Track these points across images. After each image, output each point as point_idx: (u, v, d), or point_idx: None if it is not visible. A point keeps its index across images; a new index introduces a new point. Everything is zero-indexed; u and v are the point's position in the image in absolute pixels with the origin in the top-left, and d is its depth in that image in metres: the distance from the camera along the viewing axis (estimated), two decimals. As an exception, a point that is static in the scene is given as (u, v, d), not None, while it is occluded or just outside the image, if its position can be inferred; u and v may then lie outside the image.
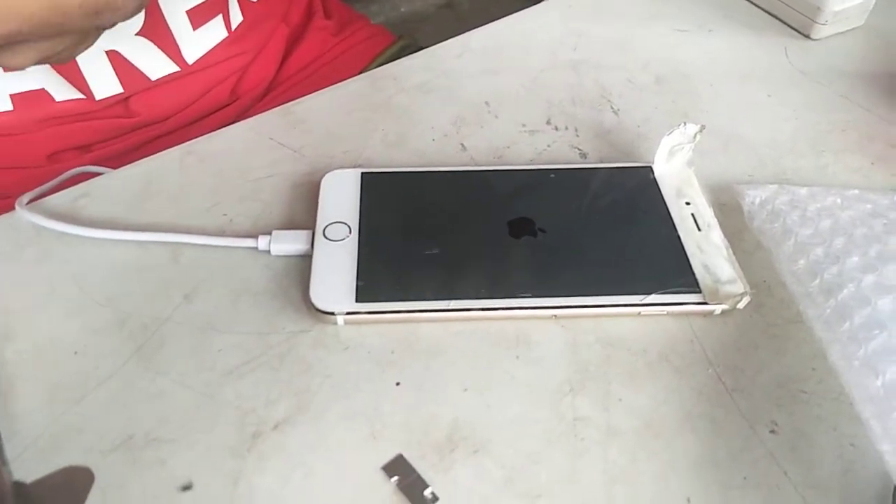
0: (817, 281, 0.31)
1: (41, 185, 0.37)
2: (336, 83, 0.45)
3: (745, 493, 0.27)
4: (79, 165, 0.48)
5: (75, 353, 0.31)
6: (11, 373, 0.30)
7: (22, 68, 0.30)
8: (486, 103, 0.44)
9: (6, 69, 0.31)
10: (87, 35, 0.31)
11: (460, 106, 0.43)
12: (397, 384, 0.30)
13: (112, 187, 0.38)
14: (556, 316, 0.32)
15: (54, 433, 0.28)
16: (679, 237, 0.35)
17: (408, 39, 0.64)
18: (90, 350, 0.31)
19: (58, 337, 0.31)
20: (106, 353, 0.31)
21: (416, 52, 0.49)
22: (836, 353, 0.29)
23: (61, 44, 0.30)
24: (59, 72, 0.45)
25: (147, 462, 0.27)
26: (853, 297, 0.30)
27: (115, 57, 0.46)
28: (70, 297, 0.33)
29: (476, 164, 0.39)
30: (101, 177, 0.39)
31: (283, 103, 0.43)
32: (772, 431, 0.29)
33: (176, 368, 0.30)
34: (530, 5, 0.52)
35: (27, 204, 0.36)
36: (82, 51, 0.31)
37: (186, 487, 0.27)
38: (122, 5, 0.25)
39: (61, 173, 0.46)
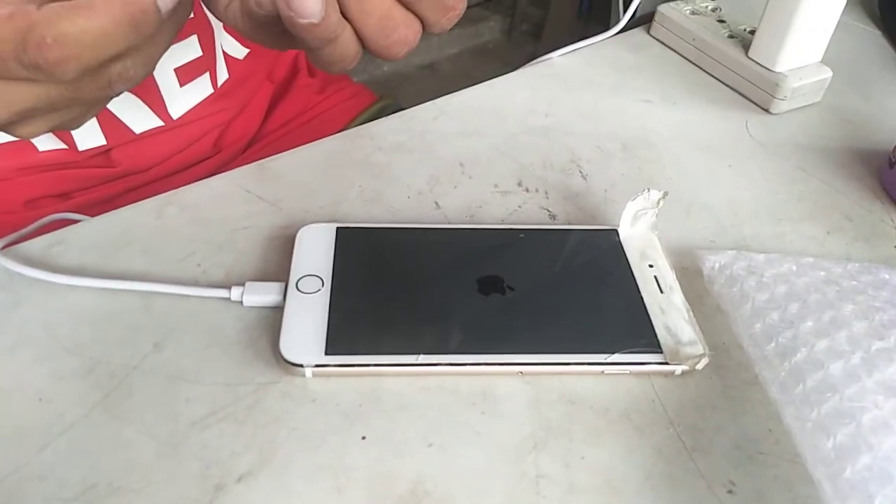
0: (773, 344, 0.32)
1: (16, 230, 0.38)
2: (317, 139, 0.47)
3: (703, 553, 0.28)
4: (57, 212, 0.49)
5: (40, 399, 0.31)
6: (-26, 418, 0.30)
7: (33, 137, 0.31)
8: (461, 164, 0.45)
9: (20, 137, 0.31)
10: (98, 103, 0.32)
11: (435, 166, 0.45)
12: (363, 438, 0.30)
13: (88, 235, 0.39)
14: (521, 372, 0.33)
15: (16, 480, 0.28)
16: (642, 298, 0.36)
17: (388, 100, 0.66)
18: (56, 397, 0.31)
19: (24, 383, 0.31)
20: (72, 400, 0.31)
21: (396, 111, 0.50)
22: (790, 415, 0.30)
23: (72, 113, 0.31)
24: None
25: (107, 512, 0.27)
26: (806, 361, 0.31)
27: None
28: (39, 344, 0.33)
29: (449, 222, 0.41)
30: (77, 225, 0.40)
31: (264, 157, 0.44)
32: (729, 492, 0.30)
33: (141, 418, 0.30)
34: (508, 70, 0.55)
35: (1, 249, 0.36)
36: (91, 117, 0.32)
37: (146, 539, 0.27)
38: (134, 76, 0.26)
39: (37, 219, 0.46)
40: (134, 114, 0.49)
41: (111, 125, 0.48)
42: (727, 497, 0.29)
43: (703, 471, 0.30)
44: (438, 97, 0.51)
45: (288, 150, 0.45)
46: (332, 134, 0.53)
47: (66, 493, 0.28)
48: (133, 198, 0.51)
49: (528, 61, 0.56)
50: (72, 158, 0.48)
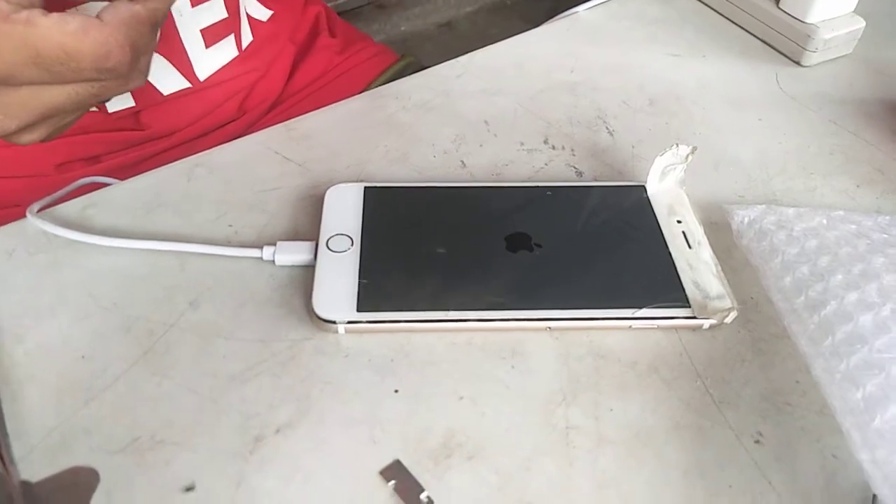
0: (802, 298, 0.32)
1: (48, 193, 0.39)
2: (340, 100, 0.47)
3: (731, 501, 0.28)
4: (86, 175, 0.50)
5: (83, 357, 0.32)
6: (20, 374, 0.31)
7: (31, 143, 0.33)
8: (486, 122, 0.45)
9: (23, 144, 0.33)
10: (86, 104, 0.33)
11: (460, 124, 0.45)
12: (395, 392, 0.31)
13: (120, 198, 0.39)
14: (549, 328, 0.33)
15: (61, 434, 0.29)
16: (670, 254, 0.36)
17: (410, 58, 0.65)
18: (98, 354, 0.32)
19: (66, 341, 0.32)
20: (113, 357, 0.32)
21: (418, 70, 0.50)
22: (819, 367, 0.30)
23: (77, 115, 0.33)
24: None
25: (152, 463, 0.28)
26: (836, 314, 0.31)
27: None
28: (78, 303, 0.34)
29: (475, 181, 0.41)
30: (108, 188, 0.40)
31: (287, 118, 0.45)
32: (757, 442, 0.30)
33: (181, 373, 0.31)
34: (527, 27, 0.54)
35: (37, 212, 0.37)
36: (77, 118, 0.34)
37: (190, 489, 0.28)
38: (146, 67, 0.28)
39: (68, 183, 0.47)
40: (162, 75, 0.49)
41: (141, 88, 0.48)
42: (754, 447, 0.30)
43: (730, 422, 0.31)
44: (458, 56, 0.51)
45: (311, 110, 0.45)
46: (354, 94, 0.53)
47: (111, 445, 0.29)
48: (161, 161, 0.52)
49: (548, 17, 0.56)
50: (101, 121, 0.48)
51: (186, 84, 0.50)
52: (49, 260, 0.36)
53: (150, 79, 0.49)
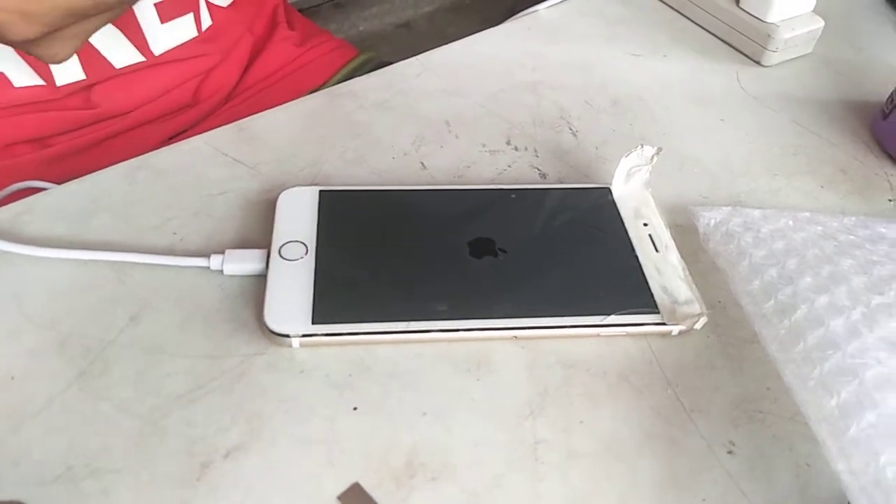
0: (772, 302, 0.32)
1: None
2: (298, 94, 0.45)
3: (705, 516, 0.27)
4: (36, 161, 0.47)
5: (12, 378, 0.29)
6: (-58, 400, 0.28)
7: (64, 58, 0.32)
8: (447, 122, 0.43)
9: (50, 61, 0.32)
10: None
11: (420, 125, 0.43)
12: (354, 409, 0.29)
13: (57, 202, 0.37)
14: (516, 337, 0.32)
15: (-13, 464, 0.27)
16: (637, 258, 0.35)
17: (370, 53, 0.64)
18: (28, 375, 0.29)
19: (-7, 361, 0.30)
20: (45, 378, 0.29)
21: (377, 66, 0.48)
22: (790, 373, 0.29)
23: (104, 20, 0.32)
24: (20, 55, 0.44)
25: (88, 494, 0.26)
26: (807, 318, 0.30)
27: None
28: (8, 319, 0.31)
29: (436, 183, 0.39)
30: (45, 192, 0.37)
31: (243, 112, 0.43)
32: (729, 452, 0.29)
33: (120, 394, 0.29)
34: (487, 27, 0.53)
35: (-36, 220, 0.34)
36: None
37: (130, 520, 0.25)
38: None
39: (16, 171, 0.44)
40: (114, 47, 0.47)
41: (91, 58, 0.46)
42: (727, 457, 0.29)
43: (702, 431, 0.30)
44: (418, 54, 0.49)
45: (268, 104, 0.43)
46: (313, 88, 0.51)
47: (42, 476, 0.26)
48: (110, 147, 0.49)
49: (507, 17, 0.54)
50: (50, 96, 0.46)
51: (140, 58, 0.48)
52: (-25, 272, 0.33)
53: (102, 50, 0.46)
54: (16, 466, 0.27)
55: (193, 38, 0.51)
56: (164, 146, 0.50)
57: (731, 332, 0.33)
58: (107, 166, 0.39)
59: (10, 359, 0.30)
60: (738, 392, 0.31)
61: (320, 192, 0.36)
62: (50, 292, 0.32)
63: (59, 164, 0.49)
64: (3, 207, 0.36)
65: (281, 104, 0.44)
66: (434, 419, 0.29)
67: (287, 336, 0.30)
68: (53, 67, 0.45)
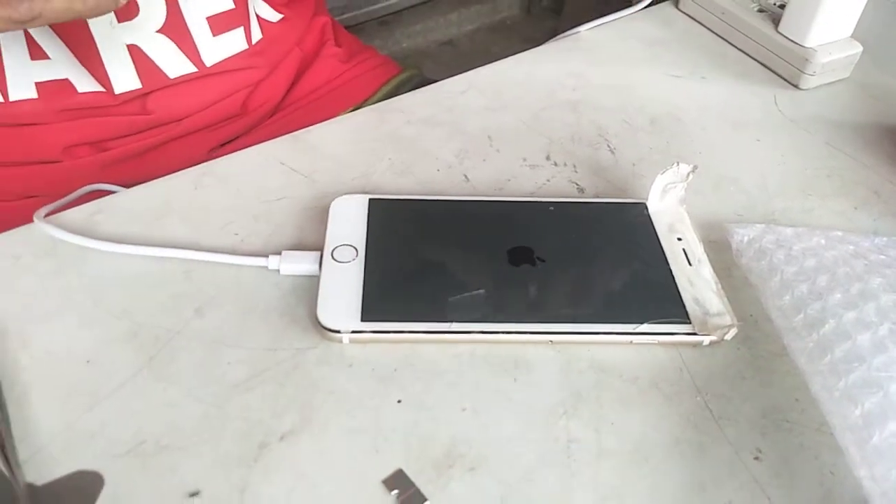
0: (801, 316, 0.33)
1: (54, 182, 0.39)
2: (343, 108, 0.47)
3: (730, 516, 0.28)
4: (94, 165, 0.50)
5: (88, 361, 0.32)
6: (26, 378, 0.31)
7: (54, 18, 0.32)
8: (489, 137, 0.46)
9: (37, 19, 0.33)
10: None
11: (464, 139, 0.45)
12: (398, 402, 0.31)
13: (127, 204, 0.40)
14: (552, 341, 0.34)
15: (66, 438, 0.29)
16: (671, 271, 0.36)
17: (413, 70, 0.66)
18: (103, 359, 0.32)
19: (72, 346, 0.32)
20: (118, 362, 0.32)
21: (420, 82, 0.51)
22: (817, 385, 0.30)
23: None
24: (82, 63, 0.47)
25: (156, 468, 0.28)
26: (834, 332, 0.31)
27: (135, 52, 0.48)
28: (84, 309, 0.34)
29: (479, 195, 0.41)
30: (115, 194, 0.41)
31: (290, 123, 0.45)
32: (756, 458, 0.30)
33: (186, 380, 0.31)
34: (528, 46, 0.55)
35: (44, 217, 0.37)
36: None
37: (194, 494, 0.28)
38: None
39: (74, 174, 0.47)
40: (168, 57, 0.50)
41: (146, 67, 0.49)
42: (754, 463, 0.30)
43: (730, 438, 0.31)
44: (460, 71, 0.51)
45: (313, 117, 0.46)
46: (357, 103, 0.54)
47: (114, 450, 0.29)
48: (166, 152, 0.52)
49: (548, 37, 0.56)
50: (108, 102, 0.49)
51: (193, 68, 0.51)
52: (55, 265, 0.36)
53: (157, 60, 0.50)
54: (91, 440, 0.29)
55: (244, 51, 0.54)
56: (213, 153, 0.53)
57: (762, 346, 0.35)
58: (160, 170, 0.42)
59: (86, 345, 0.33)
60: (767, 402, 0.32)
61: (370, 199, 0.39)
62: (123, 286, 0.35)
63: (115, 168, 0.52)
64: (78, 207, 0.39)
65: (326, 117, 0.46)
66: (472, 414, 0.31)
67: (338, 332, 0.32)
68: (112, 74, 0.49)
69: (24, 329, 0.33)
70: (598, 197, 0.42)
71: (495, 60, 0.53)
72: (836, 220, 0.41)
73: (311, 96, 0.61)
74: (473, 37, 2.00)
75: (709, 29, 0.57)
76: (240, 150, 0.44)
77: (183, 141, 0.54)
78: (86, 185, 0.43)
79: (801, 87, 0.51)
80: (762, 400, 0.32)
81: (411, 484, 0.28)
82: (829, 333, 0.32)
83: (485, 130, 0.46)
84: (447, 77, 0.51)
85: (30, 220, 0.37)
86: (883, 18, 0.59)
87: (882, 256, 0.36)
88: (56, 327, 0.33)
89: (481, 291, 0.34)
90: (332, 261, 0.35)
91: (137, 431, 0.30)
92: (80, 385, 0.31)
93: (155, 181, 0.41)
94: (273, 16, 0.56)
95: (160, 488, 0.28)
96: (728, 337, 0.33)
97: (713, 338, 0.33)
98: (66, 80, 0.48)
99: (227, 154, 0.43)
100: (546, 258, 0.36)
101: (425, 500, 0.28)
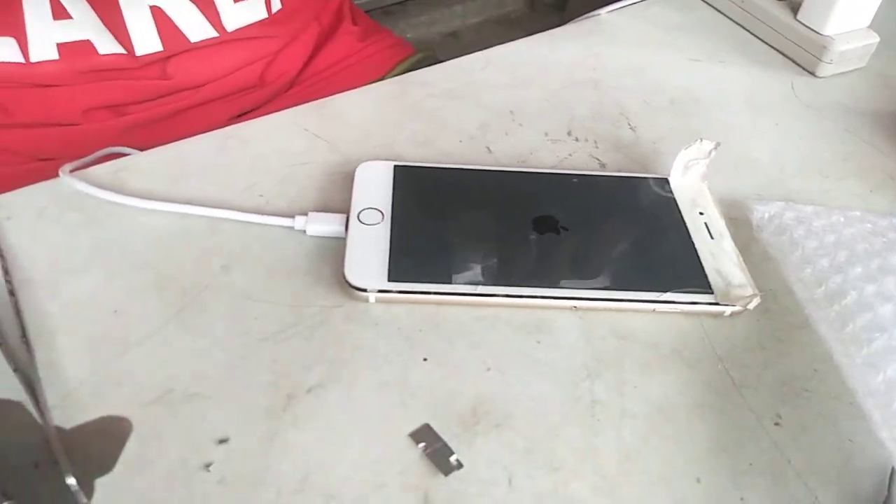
0: (822, 288, 0.33)
1: (73, 144, 0.39)
2: (358, 85, 0.47)
3: (752, 478, 0.29)
4: (111, 129, 0.50)
5: (115, 311, 0.32)
6: (54, 325, 0.31)
7: None
8: (511, 112, 0.46)
9: None
10: None
11: (486, 113, 0.46)
12: (424, 360, 0.32)
13: (150, 163, 0.40)
14: (575, 307, 0.34)
15: (94, 384, 0.29)
16: (693, 243, 0.37)
17: (428, 51, 0.67)
18: (130, 310, 0.32)
19: (99, 296, 0.33)
20: (146, 313, 0.32)
21: (434, 63, 0.51)
22: (839, 352, 0.31)
23: None
24: (104, 24, 0.47)
25: (184, 415, 0.29)
26: (856, 303, 0.32)
27: (157, 13, 0.49)
28: (111, 260, 0.34)
29: (502, 166, 0.41)
30: (140, 154, 0.41)
31: (307, 97, 0.45)
32: (776, 424, 0.31)
33: (213, 332, 0.32)
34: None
35: (70, 172, 0.37)
36: None
37: (223, 441, 0.28)
38: None
39: (91, 138, 0.47)
40: (189, 20, 0.50)
41: (168, 31, 0.50)
42: (774, 429, 0.31)
43: (750, 404, 0.31)
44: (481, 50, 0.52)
45: (329, 93, 0.46)
46: (371, 81, 0.54)
47: (143, 397, 0.29)
48: (184, 119, 0.53)
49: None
50: (129, 65, 0.49)
51: (214, 33, 0.52)
52: (81, 218, 0.36)
53: (178, 23, 0.50)
54: (119, 387, 0.29)
55: (263, 20, 0.55)
56: (231, 123, 0.53)
57: (781, 318, 0.35)
58: (178, 137, 0.42)
59: (114, 295, 0.33)
60: (786, 371, 0.33)
61: (395, 166, 0.39)
62: (149, 240, 0.35)
63: (134, 133, 0.52)
64: (102, 165, 0.40)
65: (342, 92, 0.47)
66: (497, 374, 0.31)
67: (364, 290, 0.33)
68: (134, 36, 0.49)
69: (51, 279, 0.33)
70: (619, 171, 0.42)
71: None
72: (852, 202, 0.42)
73: (327, 72, 0.61)
74: (478, 30, 2.00)
75: (727, 16, 0.57)
76: (259, 119, 0.44)
77: (201, 109, 0.54)
78: (103, 148, 0.43)
79: (818, 74, 0.51)
80: (782, 369, 0.33)
81: (438, 438, 0.29)
82: (850, 304, 0.32)
83: (506, 105, 0.46)
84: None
85: (44, 183, 0.37)
86: (898, 12, 0.60)
87: (900, 235, 0.37)
88: (83, 278, 0.33)
89: (506, 256, 0.35)
90: (359, 223, 0.35)
91: (165, 379, 0.30)
92: (107, 334, 0.31)
93: (178, 142, 0.41)
94: None
95: (189, 435, 0.28)
96: (751, 306, 0.34)
97: (736, 308, 0.34)
98: (88, 41, 0.48)
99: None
100: (570, 227, 0.37)
101: (452, 453, 0.28)
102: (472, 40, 1.99)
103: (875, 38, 0.51)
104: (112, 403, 0.29)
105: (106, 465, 0.27)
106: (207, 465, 0.27)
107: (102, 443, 0.28)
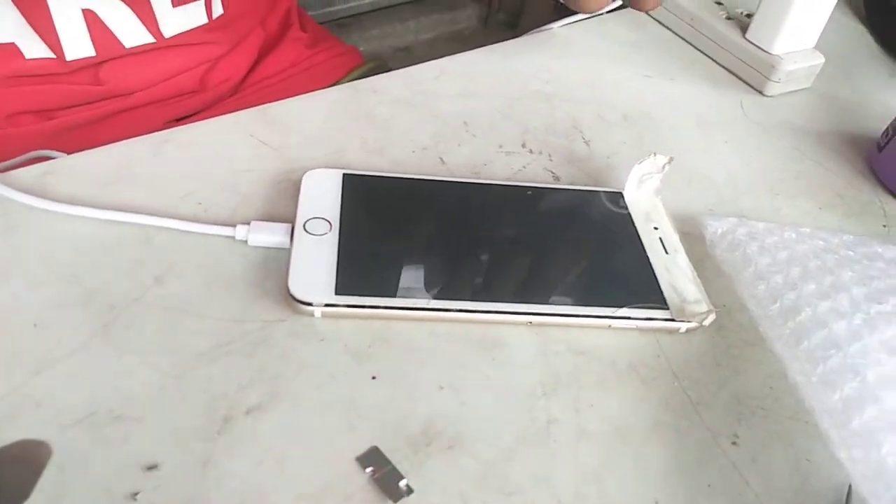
0: (777, 304, 0.33)
1: None
2: (306, 92, 0.46)
3: (710, 499, 0.28)
4: (38, 133, 0.47)
5: (35, 325, 0.29)
6: (-36, 342, 0.28)
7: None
8: (465, 123, 0.45)
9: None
10: None
11: (439, 123, 0.44)
12: (373, 378, 0.30)
13: (81, 167, 0.37)
14: (531, 322, 0.33)
15: (10, 404, 0.27)
16: (648, 258, 0.36)
17: (378, 61, 0.65)
18: (52, 324, 0.30)
19: (18, 307, 0.30)
20: (69, 328, 0.30)
21: (385, 71, 0.50)
22: (795, 370, 0.30)
23: None
24: (32, 26, 0.44)
25: (110, 439, 0.26)
26: (810, 320, 0.32)
27: (90, 17, 0.46)
28: (33, 271, 0.31)
29: (455, 177, 0.40)
30: (69, 157, 0.38)
31: (251, 104, 0.43)
32: (733, 443, 0.30)
33: (143, 348, 0.29)
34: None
35: (-10, 176, 0.35)
36: None
37: (151, 467, 0.26)
38: None
39: (18, 141, 0.44)
40: (124, 24, 0.47)
41: (101, 34, 0.47)
42: (731, 448, 0.30)
43: (707, 423, 0.31)
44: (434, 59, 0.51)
45: (277, 99, 0.44)
46: (321, 88, 0.52)
47: (63, 419, 0.27)
48: (115, 123, 0.50)
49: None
50: (59, 70, 0.46)
51: (150, 39, 0.49)
52: (3, 224, 0.33)
53: (113, 28, 0.47)
54: (38, 407, 0.27)
55: (203, 25, 0.52)
56: (167, 128, 0.51)
57: (736, 335, 0.35)
58: (110, 141, 0.39)
59: (35, 308, 0.30)
60: (742, 389, 0.32)
61: (344, 174, 0.37)
62: (76, 249, 0.33)
63: (61, 137, 0.49)
64: (27, 168, 0.37)
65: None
66: (450, 392, 0.30)
67: (310, 304, 0.31)
68: (65, 40, 0.46)
69: (-36, 290, 0.30)
70: (573, 185, 0.41)
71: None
72: (802, 219, 0.42)
73: (273, 78, 0.59)
74: (431, 45, 2.00)
75: (678, 34, 0.58)
76: (200, 124, 0.42)
77: (135, 113, 0.51)
78: (29, 151, 0.40)
79: (766, 93, 0.52)
80: (737, 387, 0.32)
81: (387, 462, 0.27)
82: (804, 321, 0.32)
83: (460, 116, 0.45)
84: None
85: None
86: (840, 35, 0.61)
87: (850, 252, 0.37)
88: (1, 288, 0.31)
89: (459, 270, 0.33)
90: (305, 233, 0.34)
91: (89, 400, 0.27)
92: (26, 349, 0.29)
93: (111, 145, 0.39)
94: None
95: (114, 460, 0.26)
96: (706, 323, 0.33)
97: (691, 324, 0.33)
98: (13, 44, 0.45)
99: (184, 128, 0.41)
100: (525, 241, 0.36)
101: (402, 477, 0.27)
102: (424, 55, 1.99)
103: (821, 59, 0.52)
104: (29, 426, 0.26)
105: (22, 494, 0.25)
106: (134, 494, 0.25)
107: (18, 469, 0.25)
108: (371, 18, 1.96)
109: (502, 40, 0.56)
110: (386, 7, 1.96)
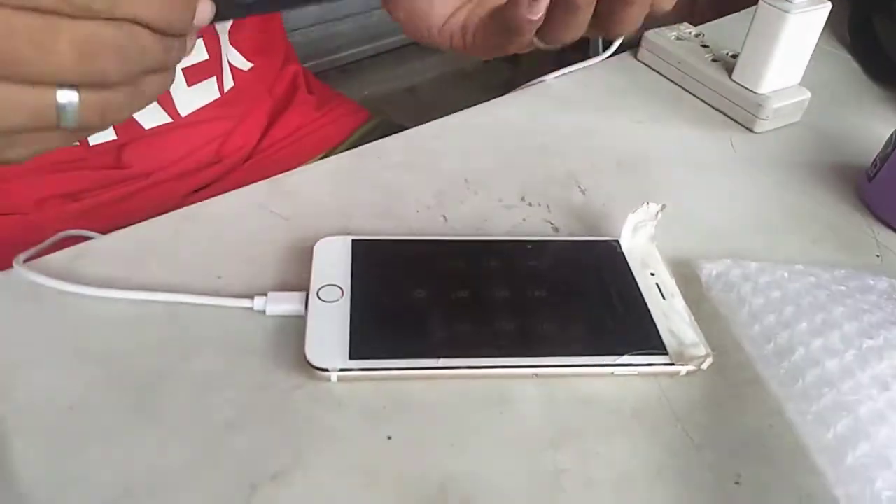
0: (771, 344, 0.35)
1: (26, 231, 0.38)
2: (316, 153, 0.48)
3: (716, 540, 0.29)
4: (66, 214, 0.50)
5: (70, 408, 0.32)
6: (7, 428, 0.31)
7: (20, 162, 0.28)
8: (465, 180, 0.47)
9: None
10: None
11: (441, 182, 0.47)
12: (389, 438, 0.32)
13: (108, 249, 0.40)
14: (536, 375, 0.34)
15: (51, 486, 0.29)
16: (646, 304, 0.38)
17: (383, 117, 0.68)
18: (86, 405, 0.32)
19: (54, 393, 0.32)
20: (102, 408, 0.32)
21: (389, 128, 0.52)
22: (791, 409, 0.32)
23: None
24: None
25: (146, 513, 0.28)
26: (804, 359, 0.33)
27: None
28: (66, 354, 0.34)
29: (458, 235, 0.42)
30: (96, 239, 0.40)
31: (264, 169, 0.46)
32: (736, 483, 0.31)
33: (173, 422, 0.31)
34: (487, 93, 0.57)
35: (23, 263, 0.37)
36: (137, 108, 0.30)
37: (186, 537, 0.27)
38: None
39: (46, 223, 0.47)
40: (145, 109, 0.50)
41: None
42: (735, 488, 0.31)
43: (710, 464, 0.32)
44: (422, 118, 0.53)
45: (287, 162, 0.47)
46: (329, 148, 0.55)
47: (105, 495, 0.29)
48: (139, 201, 0.52)
49: (506, 85, 0.59)
50: (82, 155, 0.49)
51: (167, 119, 0.52)
52: (35, 311, 0.35)
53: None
54: (76, 487, 0.29)
55: (216, 100, 0.55)
56: (187, 199, 0.53)
57: (735, 374, 0.36)
58: (134, 216, 0.42)
59: (70, 391, 0.32)
60: (743, 429, 0.34)
61: (353, 240, 0.40)
62: (105, 330, 0.35)
63: (86, 216, 0.52)
64: (60, 252, 0.39)
65: (299, 163, 0.47)
66: (462, 450, 0.31)
67: (326, 370, 0.33)
68: None
69: (3, 378, 0.32)
70: (571, 235, 0.43)
71: (455, 106, 0.55)
72: (796, 254, 0.43)
73: (283, 142, 0.62)
74: (434, 84, 2.05)
75: (666, 77, 0.60)
76: (215, 195, 0.44)
77: (157, 188, 0.54)
78: (58, 232, 0.43)
79: (755, 130, 0.54)
80: (738, 427, 0.34)
81: (405, 520, 0.29)
82: (798, 361, 0.33)
83: (461, 173, 0.48)
84: (411, 121, 0.53)
85: (-1, 269, 0.37)
86: (826, 66, 0.63)
87: (842, 287, 0.38)
88: (37, 374, 0.33)
89: (466, 327, 0.35)
90: (319, 300, 0.36)
91: (126, 476, 0.29)
92: (62, 432, 0.31)
93: (135, 226, 0.41)
94: (244, 64, 0.58)
95: (151, 533, 0.28)
96: (704, 366, 0.35)
97: (690, 367, 0.35)
98: None
99: (202, 199, 0.44)
100: (527, 295, 0.37)
101: (420, 535, 0.28)
102: (428, 94, 2.03)
103: (807, 94, 0.54)
104: (70, 505, 0.28)
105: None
106: (170, 565, 0.27)
107: (60, 548, 0.27)
108: (375, 63, 2.01)
109: (503, 75, 0.58)
110: (388, 51, 2.02)
